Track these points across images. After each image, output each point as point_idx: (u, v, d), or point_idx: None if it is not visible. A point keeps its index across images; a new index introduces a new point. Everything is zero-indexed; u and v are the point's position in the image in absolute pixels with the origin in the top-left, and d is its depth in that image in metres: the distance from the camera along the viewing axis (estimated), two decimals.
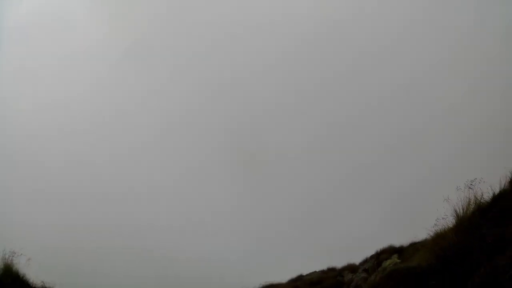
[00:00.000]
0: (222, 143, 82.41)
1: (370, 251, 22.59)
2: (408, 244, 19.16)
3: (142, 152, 77.06)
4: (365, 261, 22.59)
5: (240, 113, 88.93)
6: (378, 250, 21.67)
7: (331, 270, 25.45)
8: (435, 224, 11.48)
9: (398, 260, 17.55)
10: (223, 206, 64.66)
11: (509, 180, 11.46)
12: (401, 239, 20.24)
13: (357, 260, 23.94)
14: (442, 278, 8.63)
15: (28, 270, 13.53)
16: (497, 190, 11.30)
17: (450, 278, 8.44)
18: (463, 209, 11.17)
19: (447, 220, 11.26)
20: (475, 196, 11.31)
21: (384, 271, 13.58)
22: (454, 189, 11.60)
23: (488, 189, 11.33)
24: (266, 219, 61.44)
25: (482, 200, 11.21)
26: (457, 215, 11.10)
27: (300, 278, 26.27)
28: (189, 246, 47.52)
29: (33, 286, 13.93)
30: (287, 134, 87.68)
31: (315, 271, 26.71)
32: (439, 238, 10.62)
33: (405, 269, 10.30)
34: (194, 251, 45.19)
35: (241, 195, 68.13)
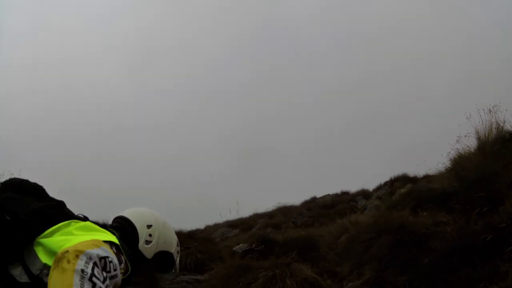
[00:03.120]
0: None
1: (384, 178, 21.91)
2: (422, 176, 18.25)
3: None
4: (379, 187, 21.85)
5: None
6: (392, 177, 20.87)
7: (345, 194, 24.75)
8: (457, 141, 10.56)
9: None
10: None
11: None
12: (416, 169, 19.33)
13: (370, 186, 23.32)
14: (465, 201, 7.83)
15: None
16: None
17: (473, 203, 7.63)
18: (485, 133, 10.27)
19: (470, 139, 10.38)
20: (497, 122, 10.40)
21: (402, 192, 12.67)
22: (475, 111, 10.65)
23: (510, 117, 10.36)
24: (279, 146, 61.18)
25: (504, 128, 10.30)
26: (479, 138, 10.22)
27: (313, 200, 25.45)
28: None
29: None
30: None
31: (329, 194, 25.93)
32: (462, 160, 9.81)
33: (426, 188, 9.42)
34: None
35: None
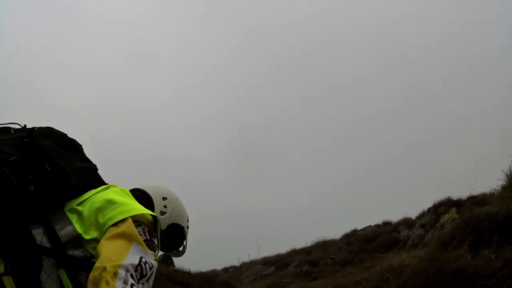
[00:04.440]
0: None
1: (427, 204, 19.45)
2: (466, 197, 16.04)
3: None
4: (422, 215, 19.54)
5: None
6: (436, 202, 18.42)
7: (386, 224, 22.73)
8: None
9: (456, 215, 14.43)
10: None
11: None
12: (459, 191, 17.16)
13: (413, 213, 21.06)
14: None
15: None
16: None
17: None
18: None
19: None
20: None
21: (454, 222, 10.25)
22: None
23: None
24: (323, 175, 59.01)
25: None
26: None
27: (354, 233, 23.54)
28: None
29: None
30: None
31: (370, 225, 24.04)
32: None
33: (486, 215, 6.99)
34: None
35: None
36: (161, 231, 2.73)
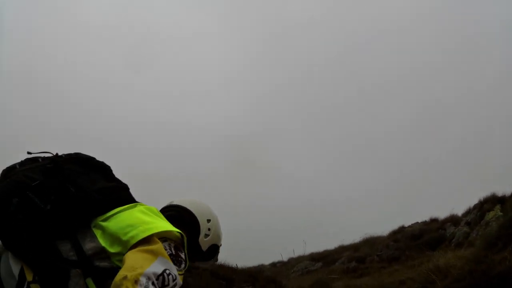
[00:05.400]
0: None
1: (473, 200, 19.06)
2: (510, 193, 15.84)
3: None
4: (468, 212, 19.17)
5: None
6: (481, 199, 18.00)
7: (433, 221, 22.28)
8: None
9: (501, 213, 14.27)
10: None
11: None
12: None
13: (460, 210, 20.67)
14: None
15: None
16: None
17: None
18: None
19: None
20: None
21: (498, 220, 10.19)
22: None
23: None
24: (369, 174, 58.22)
25: None
26: None
27: (401, 229, 23.28)
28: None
29: None
30: None
31: (417, 222, 23.62)
32: None
33: None
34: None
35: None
36: (202, 252, 2.96)
